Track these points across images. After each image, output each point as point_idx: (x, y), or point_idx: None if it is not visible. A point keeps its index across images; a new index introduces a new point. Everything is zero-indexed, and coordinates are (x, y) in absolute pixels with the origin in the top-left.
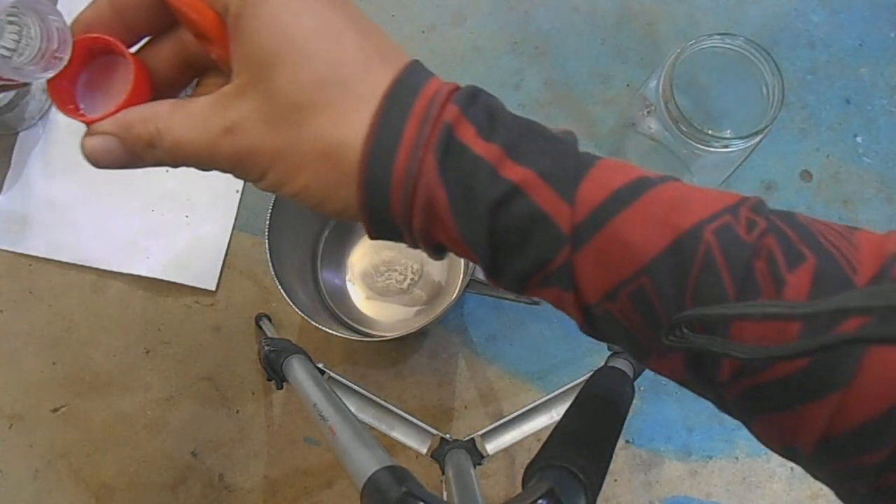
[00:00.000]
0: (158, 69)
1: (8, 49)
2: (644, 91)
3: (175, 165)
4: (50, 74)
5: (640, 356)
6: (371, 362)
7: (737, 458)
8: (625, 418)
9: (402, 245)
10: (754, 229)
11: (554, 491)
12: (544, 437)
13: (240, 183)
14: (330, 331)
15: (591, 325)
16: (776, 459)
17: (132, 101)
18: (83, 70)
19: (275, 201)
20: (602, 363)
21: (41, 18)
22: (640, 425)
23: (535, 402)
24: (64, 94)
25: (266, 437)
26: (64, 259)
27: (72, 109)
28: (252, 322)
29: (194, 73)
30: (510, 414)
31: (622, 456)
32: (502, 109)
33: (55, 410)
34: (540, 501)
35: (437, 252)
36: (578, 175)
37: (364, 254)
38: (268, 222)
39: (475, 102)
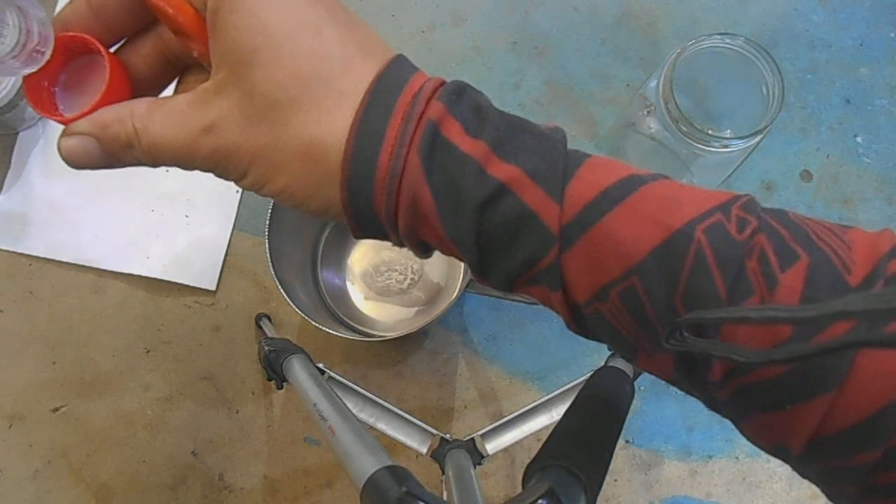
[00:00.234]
0: (139, 68)
1: None
2: (644, 91)
3: (154, 165)
4: (31, 69)
5: (629, 355)
6: (371, 362)
7: (737, 458)
8: (625, 418)
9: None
10: (746, 228)
11: (554, 491)
12: (544, 437)
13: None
14: (330, 331)
15: (580, 323)
16: (776, 459)
17: (108, 100)
18: (62, 70)
19: (275, 201)
20: (602, 363)
21: (21, 12)
22: (640, 425)
23: (535, 402)
24: (42, 93)
25: (266, 437)
26: (64, 259)
27: (47, 109)
28: (252, 322)
29: (177, 71)
30: (510, 414)
31: (622, 456)
32: (489, 105)
33: (55, 410)
34: (540, 501)
35: (423, 251)
36: (567, 173)
37: (364, 254)
38: (268, 222)
39: (461, 98)
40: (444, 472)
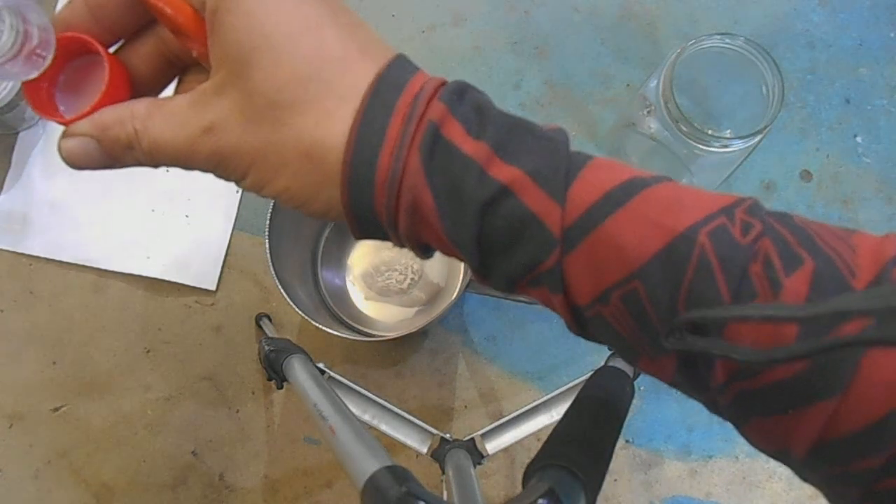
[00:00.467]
0: (139, 68)
1: None
2: (644, 91)
3: (155, 166)
4: (33, 74)
5: (630, 358)
6: (371, 362)
7: (737, 458)
8: (625, 418)
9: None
10: (750, 232)
11: (554, 491)
12: (544, 437)
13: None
14: (330, 331)
15: (581, 326)
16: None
17: (108, 101)
18: (62, 71)
19: (275, 201)
20: (602, 363)
21: (20, 15)
22: (640, 425)
23: (535, 402)
24: (42, 94)
25: (266, 437)
26: (64, 259)
27: (47, 110)
28: (252, 322)
29: (176, 71)
30: (510, 414)
31: (622, 456)
32: (490, 106)
33: (55, 410)
34: (540, 501)
35: (424, 252)
36: (570, 175)
37: (364, 254)
38: (268, 222)
39: (463, 99)
40: (444, 472)
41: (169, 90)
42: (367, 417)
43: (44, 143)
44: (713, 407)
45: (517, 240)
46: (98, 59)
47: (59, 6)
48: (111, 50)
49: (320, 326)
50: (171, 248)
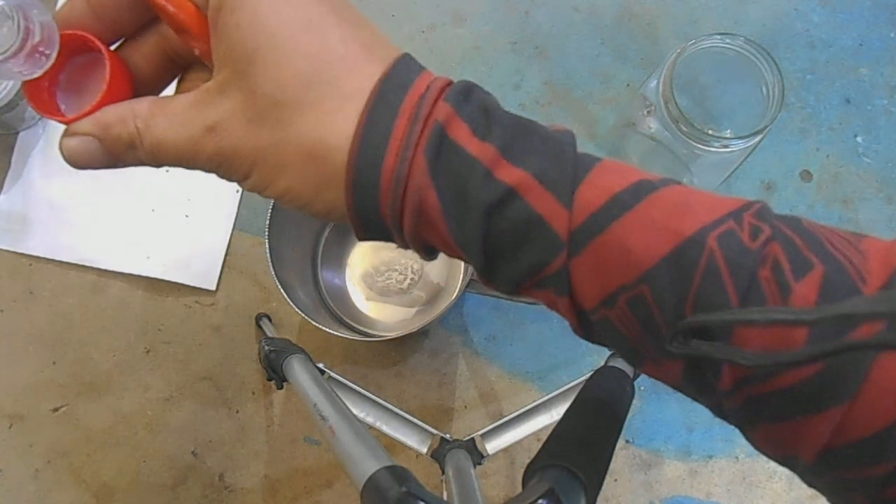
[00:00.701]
0: (140, 66)
1: None
2: (644, 91)
3: (157, 166)
4: (37, 73)
5: (635, 362)
6: (371, 362)
7: (737, 458)
8: (625, 418)
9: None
10: (759, 236)
11: (554, 491)
12: (544, 437)
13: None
14: (330, 331)
15: (587, 329)
16: None
17: (110, 100)
18: (62, 70)
19: (276, 201)
20: (602, 363)
21: (22, 12)
22: (640, 425)
23: (535, 402)
24: (42, 93)
25: (266, 437)
26: (64, 259)
27: (49, 109)
28: (252, 322)
29: (178, 69)
30: (510, 414)
31: (622, 456)
32: (497, 106)
33: (55, 410)
34: (540, 501)
35: (428, 253)
36: (577, 178)
37: (364, 254)
38: (268, 222)
39: (469, 99)
40: (444, 472)
41: (169, 89)
42: (367, 417)
43: (44, 143)
44: (719, 411)
45: (523, 242)
46: (99, 57)
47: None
48: (112, 48)
49: (320, 326)
50: (171, 248)
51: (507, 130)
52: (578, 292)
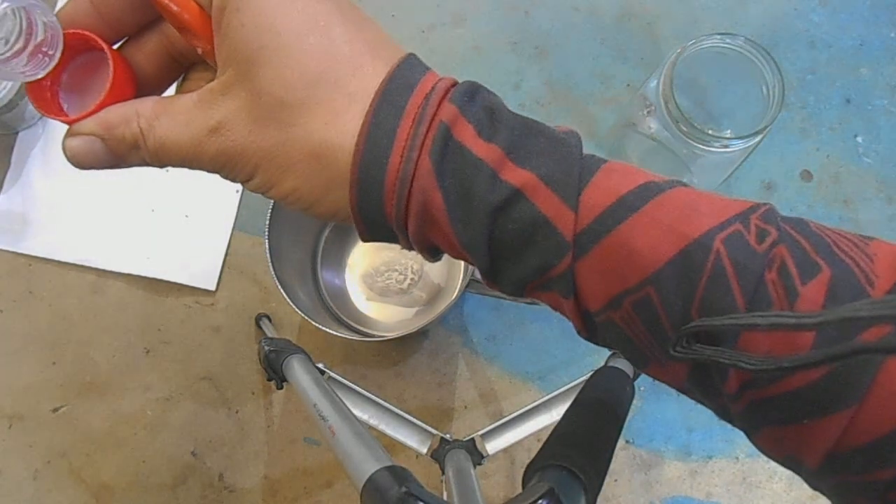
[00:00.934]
0: (143, 65)
1: None
2: (644, 91)
3: (160, 166)
4: (41, 73)
5: (640, 364)
6: (371, 362)
7: (737, 458)
8: (625, 418)
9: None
10: (766, 239)
11: (554, 491)
12: (544, 437)
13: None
14: (330, 331)
15: (591, 331)
16: None
17: (113, 99)
18: (65, 69)
19: (275, 201)
20: (602, 363)
21: (25, 12)
22: (640, 425)
23: (535, 402)
24: (45, 93)
25: (266, 437)
26: (64, 259)
27: (51, 109)
28: (252, 322)
29: (181, 69)
30: (510, 414)
31: (622, 456)
32: (502, 107)
33: (55, 410)
34: (540, 501)
35: (432, 254)
36: (583, 179)
37: (364, 254)
38: (268, 222)
39: (474, 100)
40: (444, 472)
41: (171, 89)
42: (366, 417)
43: (43, 143)
44: (724, 414)
45: (528, 244)
46: (101, 57)
47: (60, 4)
48: (114, 47)
49: (320, 326)
50: (171, 248)
51: (513, 131)
52: (583, 294)
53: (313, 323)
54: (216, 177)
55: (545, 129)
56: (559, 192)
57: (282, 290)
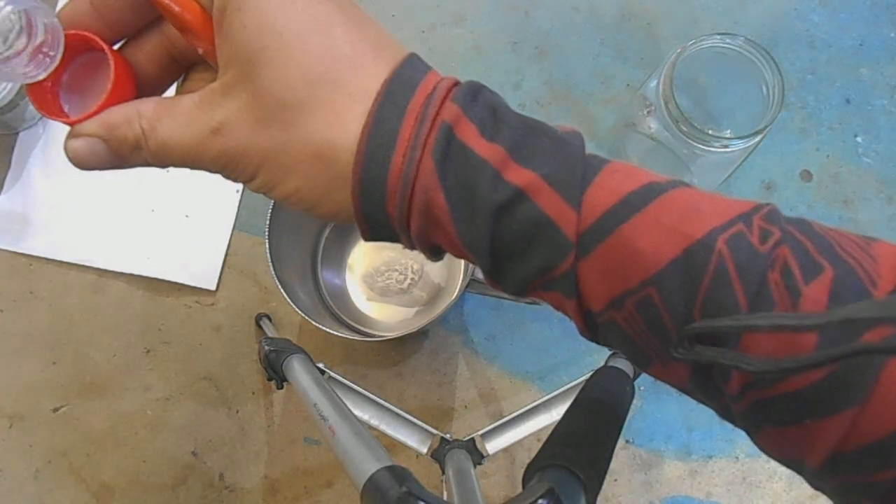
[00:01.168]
0: (143, 66)
1: None
2: (644, 91)
3: (162, 166)
4: (42, 74)
5: (642, 364)
6: (371, 362)
7: (737, 458)
8: (625, 418)
9: (402, 245)
10: (769, 239)
11: (554, 491)
12: (544, 437)
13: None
14: (330, 331)
15: (593, 331)
16: None
17: (114, 100)
18: (64, 70)
19: (275, 201)
20: (602, 363)
21: (25, 13)
22: (640, 425)
23: (535, 402)
24: (46, 94)
25: (266, 437)
26: (64, 259)
27: (53, 110)
28: (252, 322)
29: (181, 69)
30: (510, 414)
31: (622, 456)
32: (505, 107)
33: (55, 410)
34: (540, 501)
35: (435, 254)
36: (585, 179)
37: (364, 254)
38: (268, 222)
39: (476, 99)
40: (444, 472)
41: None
42: (367, 417)
43: (44, 143)
44: (726, 414)
45: (531, 244)
46: (101, 57)
47: (60, 4)
48: (115, 48)
49: (320, 326)
50: (171, 248)
51: (516, 131)
52: (586, 294)
53: (313, 323)
54: (216, 177)
55: (548, 128)
56: (562, 191)
57: (282, 290)
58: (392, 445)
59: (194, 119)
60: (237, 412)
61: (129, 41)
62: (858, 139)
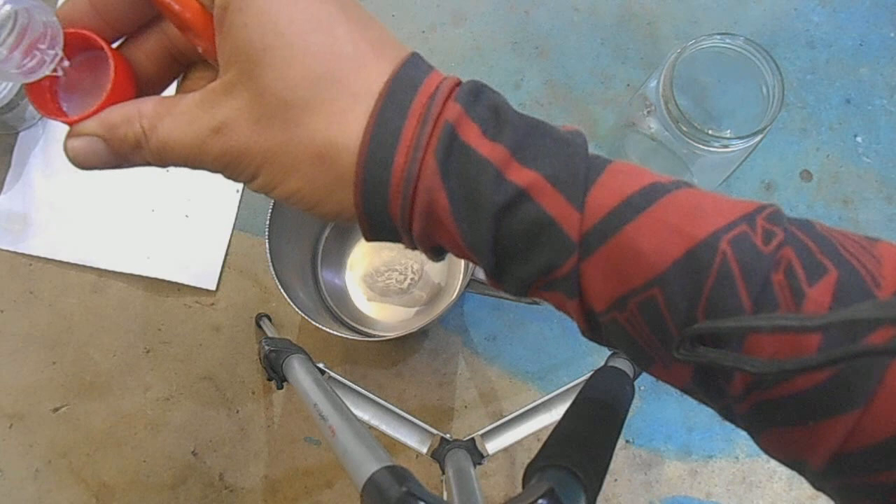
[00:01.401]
0: (142, 64)
1: None
2: (644, 91)
3: (163, 166)
4: (41, 73)
5: (644, 364)
6: (371, 362)
7: (737, 458)
8: (625, 418)
9: (403, 245)
10: (772, 240)
11: (554, 491)
12: (544, 437)
13: (240, 183)
14: (330, 331)
15: (595, 331)
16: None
17: (114, 99)
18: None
19: (275, 201)
20: (602, 363)
21: (26, 12)
22: (640, 425)
23: (535, 402)
24: (44, 94)
25: (266, 437)
26: (64, 259)
27: (52, 109)
28: (252, 322)
29: (180, 68)
30: (510, 414)
31: (622, 456)
32: (507, 106)
33: (55, 410)
34: (540, 501)
35: (436, 254)
36: (589, 180)
37: (364, 254)
38: (268, 222)
39: (479, 99)
40: (444, 472)
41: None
42: (367, 417)
43: (44, 143)
44: (727, 414)
45: (534, 244)
46: (100, 56)
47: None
48: (113, 46)
49: (320, 326)
50: (171, 248)
51: (518, 131)
52: (588, 295)
53: (313, 323)
54: (217, 177)
55: (550, 128)
56: (565, 192)
57: (282, 290)
58: (392, 445)
59: (195, 118)
60: (237, 412)
61: (128, 39)
62: (858, 139)
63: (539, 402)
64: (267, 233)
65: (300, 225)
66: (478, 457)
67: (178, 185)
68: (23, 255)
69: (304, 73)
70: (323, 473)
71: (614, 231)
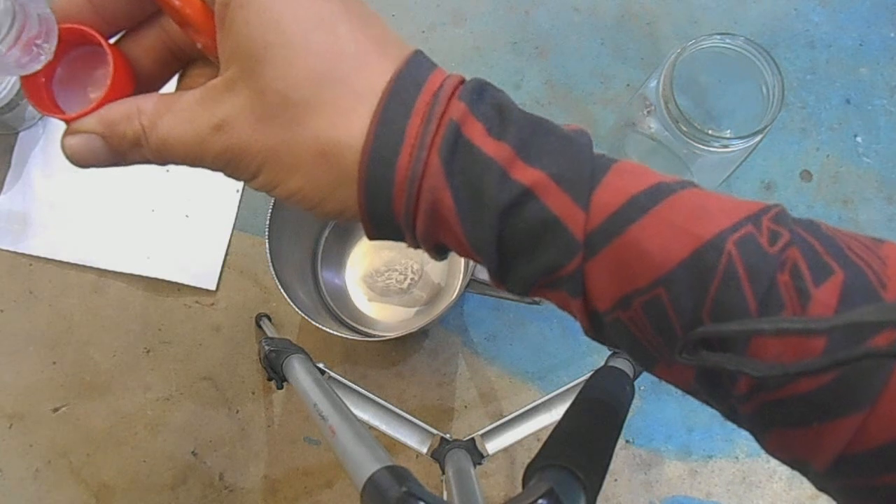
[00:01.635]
0: (141, 61)
1: None
2: (644, 91)
3: (163, 164)
4: (36, 67)
5: (646, 364)
6: (371, 362)
7: (737, 458)
8: (625, 418)
9: (403, 245)
10: (778, 241)
11: (554, 491)
12: (544, 437)
13: (240, 182)
14: (330, 331)
15: (599, 331)
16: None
17: (113, 96)
18: (58, 64)
19: (275, 201)
20: (602, 363)
21: (20, 4)
22: (640, 425)
23: (535, 402)
24: (41, 91)
25: (266, 437)
26: (64, 259)
27: (48, 107)
28: (252, 322)
29: (180, 64)
30: (510, 414)
31: (622, 456)
32: (511, 104)
33: (55, 410)
34: (540, 501)
35: (439, 253)
36: (594, 179)
37: (364, 254)
38: (268, 222)
39: (483, 97)
40: (444, 472)
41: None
42: (367, 417)
43: (44, 142)
44: (731, 415)
45: (538, 243)
46: (96, 51)
47: None
48: (111, 41)
49: (320, 326)
50: (171, 248)
51: (523, 130)
52: (592, 294)
53: (313, 323)
54: (217, 176)
55: (555, 127)
56: (570, 191)
57: (282, 290)
58: (392, 445)
59: (196, 116)
60: (237, 412)
61: (127, 35)
62: (858, 139)
63: (539, 402)
64: (267, 233)
65: (300, 225)
66: (478, 457)
67: (179, 184)
68: (23, 255)
69: (306, 71)
70: (323, 473)
71: (619, 231)
